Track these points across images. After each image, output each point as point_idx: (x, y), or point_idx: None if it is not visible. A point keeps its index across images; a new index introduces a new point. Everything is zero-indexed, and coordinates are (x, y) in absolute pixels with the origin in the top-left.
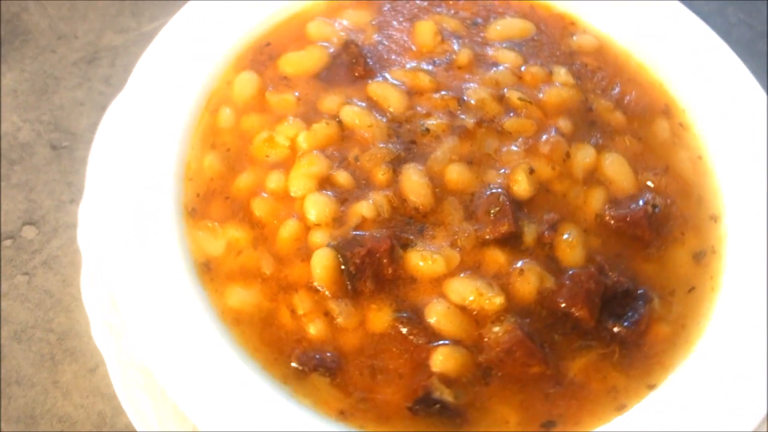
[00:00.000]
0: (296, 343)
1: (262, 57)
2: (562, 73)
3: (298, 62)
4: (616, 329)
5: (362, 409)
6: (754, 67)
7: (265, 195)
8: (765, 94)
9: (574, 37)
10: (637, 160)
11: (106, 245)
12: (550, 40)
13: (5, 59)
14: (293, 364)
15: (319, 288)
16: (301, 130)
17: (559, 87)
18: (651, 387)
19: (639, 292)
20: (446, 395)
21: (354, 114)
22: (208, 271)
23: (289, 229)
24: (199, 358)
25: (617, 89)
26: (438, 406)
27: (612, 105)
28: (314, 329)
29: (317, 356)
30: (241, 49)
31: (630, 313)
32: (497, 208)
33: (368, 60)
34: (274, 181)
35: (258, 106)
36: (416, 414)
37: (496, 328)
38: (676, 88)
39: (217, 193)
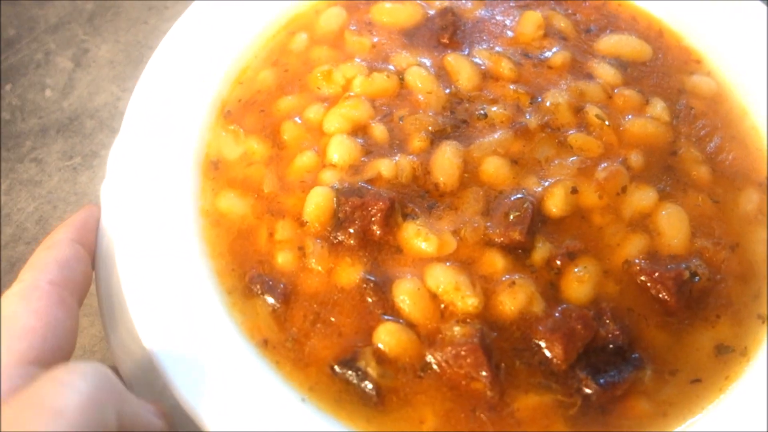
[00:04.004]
0: (258, 263)
1: None
2: (658, 107)
3: (391, 13)
4: (586, 383)
5: (287, 347)
6: None
7: (299, 121)
8: None
9: (694, 76)
10: (702, 223)
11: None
12: (664, 71)
13: (99, 32)
14: (247, 281)
15: (305, 222)
16: (361, 74)
17: (649, 119)
18: None
19: (633, 356)
20: (371, 369)
21: (418, 76)
22: (214, 169)
23: (305, 160)
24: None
25: (715, 143)
26: (358, 375)
27: (702, 157)
28: (282, 258)
29: (270, 282)
30: None
31: (612, 373)
32: (517, 213)
33: (458, 32)
34: (313, 111)
35: (334, 41)
36: (335, 374)
37: (457, 328)
38: None
39: (257, 105)
